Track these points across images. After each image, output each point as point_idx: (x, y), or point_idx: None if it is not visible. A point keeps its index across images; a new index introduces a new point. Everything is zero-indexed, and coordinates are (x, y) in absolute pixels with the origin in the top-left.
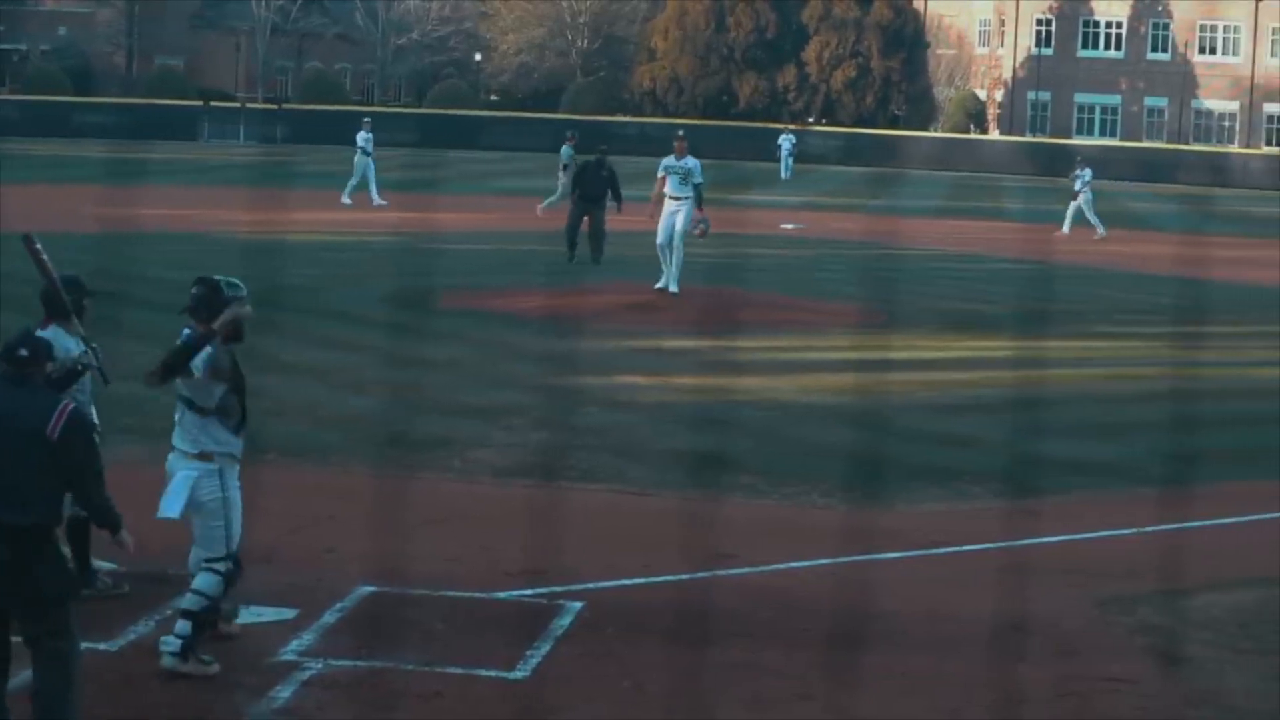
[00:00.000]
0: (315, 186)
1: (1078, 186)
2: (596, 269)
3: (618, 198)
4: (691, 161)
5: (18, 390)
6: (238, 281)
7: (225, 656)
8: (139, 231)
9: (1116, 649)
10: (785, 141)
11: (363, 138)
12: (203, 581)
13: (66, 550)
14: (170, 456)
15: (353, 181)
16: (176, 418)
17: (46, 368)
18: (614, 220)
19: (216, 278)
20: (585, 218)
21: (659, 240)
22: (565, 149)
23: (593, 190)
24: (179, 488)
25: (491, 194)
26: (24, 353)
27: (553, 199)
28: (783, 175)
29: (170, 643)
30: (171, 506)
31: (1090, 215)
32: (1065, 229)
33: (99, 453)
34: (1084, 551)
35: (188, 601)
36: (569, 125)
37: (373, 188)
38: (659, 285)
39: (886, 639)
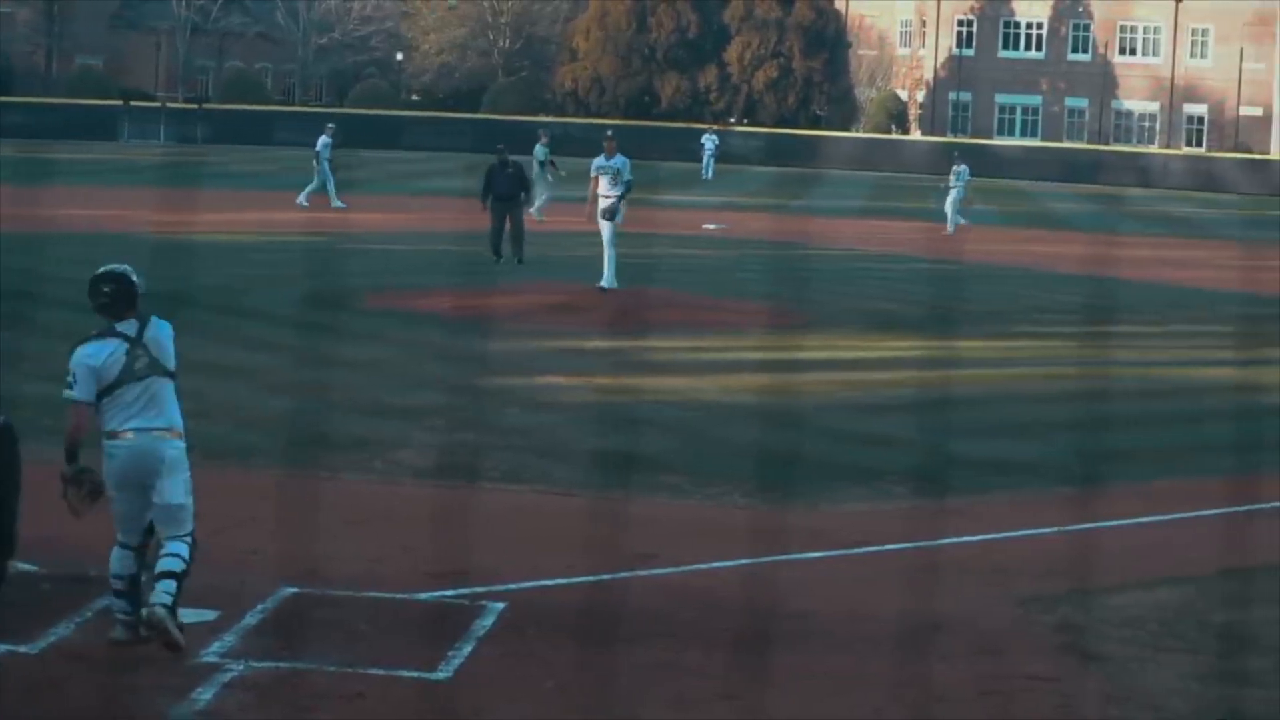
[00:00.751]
0: (236, 187)
1: (952, 182)
2: (518, 269)
3: (528, 192)
4: (620, 160)
5: None
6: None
7: (146, 658)
8: (56, 232)
9: (1037, 648)
10: (708, 141)
11: (322, 142)
12: (178, 547)
13: None
14: (146, 440)
15: (315, 185)
16: (147, 401)
17: None
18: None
19: (118, 269)
20: (506, 219)
21: (605, 238)
22: (539, 148)
23: (503, 189)
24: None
25: (413, 194)
26: None
27: (542, 202)
28: (705, 175)
29: (162, 596)
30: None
31: (950, 210)
32: (949, 229)
33: (19, 473)
34: (1004, 550)
35: (168, 564)
36: (490, 125)
37: (331, 188)
38: (600, 285)
39: (809, 638)
